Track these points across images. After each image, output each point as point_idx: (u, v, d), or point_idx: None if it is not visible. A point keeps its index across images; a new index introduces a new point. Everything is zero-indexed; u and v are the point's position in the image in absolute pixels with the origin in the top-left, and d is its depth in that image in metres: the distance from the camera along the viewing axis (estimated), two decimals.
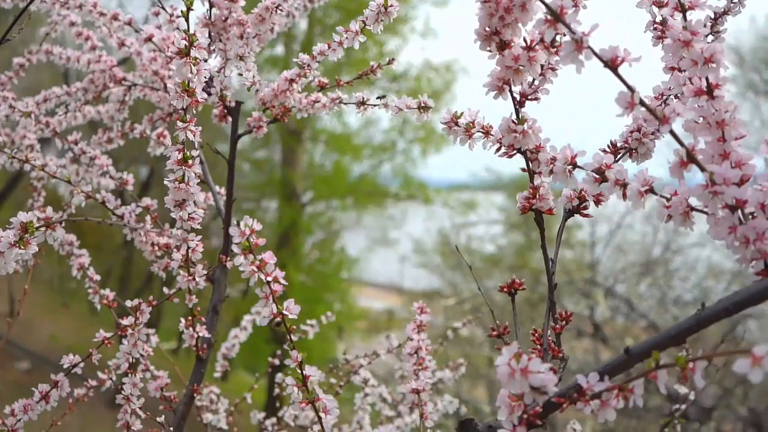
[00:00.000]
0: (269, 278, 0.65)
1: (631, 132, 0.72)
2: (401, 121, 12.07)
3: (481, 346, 7.61)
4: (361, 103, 0.99)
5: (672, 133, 0.54)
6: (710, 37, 0.74)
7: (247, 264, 0.64)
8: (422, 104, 0.87)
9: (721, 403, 5.85)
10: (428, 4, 10.73)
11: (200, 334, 1.01)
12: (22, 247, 0.70)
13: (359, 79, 1.05)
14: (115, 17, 1.13)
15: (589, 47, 0.52)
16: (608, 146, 0.72)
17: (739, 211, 0.55)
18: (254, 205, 11.60)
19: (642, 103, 0.53)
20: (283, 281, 0.66)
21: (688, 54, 0.56)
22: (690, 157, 0.54)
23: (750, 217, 0.55)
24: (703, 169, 0.54)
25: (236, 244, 0.64)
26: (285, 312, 0.66)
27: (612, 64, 0.53)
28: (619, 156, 0.72)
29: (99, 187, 1.24)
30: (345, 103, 1.01)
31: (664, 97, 0.72)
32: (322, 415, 0.68)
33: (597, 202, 0.71)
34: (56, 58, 1.30)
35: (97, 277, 1.14)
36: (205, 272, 0.95)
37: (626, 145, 0.72)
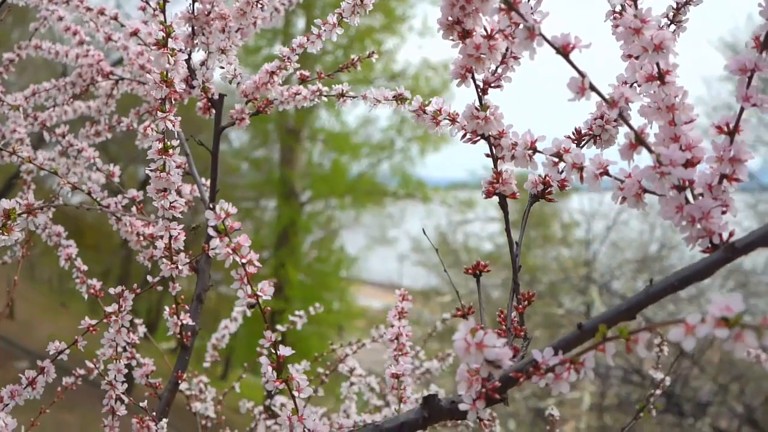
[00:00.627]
0: (244, 260, 0.67)
1: (595, 119, 0.74)
2: (399, 119, 12.10)
3: None
4: (341, 95, 1.02)
5: (621, 116, 0.56)
6: (672, 27, 0.77)
7: (222, 246, 0.67)
8: (398, 96, 0.90)
9: (716, 399, 5.88)
10: (426, 2, 10.75)
11: (184, 322, 1.03)
12: (5, 233, 0.72)
13: (340, 71, 1.07)
14: (101, 12, 1.16)
15: (541, 35, 0.55)
16: (572, 133, 0.75)
17: (689, 192, 0.57)
18: (253, 204, 11.63)
19: (592, 87, 0.55)
20: (257, 263, 0.68)
21: (639, 41, 0.58)
22: (638, 140, 0.56)
23: (700, 197, 0.57)
24: (651, 151, 0.56)
25: (211, 227, 0.66)
26: (259, 293, 0.68)
27: (564, 51, 0.55)
28: (583, 142, 0.75)
29: (90, 181, 1.27)
30: (325, 95, 1.03)
31: (627, 85, 0.74)
32: (295, 393, 0.70)
33: (561, 187, 0.73)
34: (45, 52, 1.32)
35: (85, 268, 1.16)
36: (187, 260, 0.97)
37: (590, 132, 0.74)
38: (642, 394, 6.09)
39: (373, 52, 1.06)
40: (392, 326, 1.01)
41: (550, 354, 0.56)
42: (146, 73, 1.22)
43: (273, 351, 0.70)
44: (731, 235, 0.55)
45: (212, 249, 0.69)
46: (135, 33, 1.12)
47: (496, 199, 0.75)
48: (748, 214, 8.59)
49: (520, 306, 0.67)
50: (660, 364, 1.18)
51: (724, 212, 0.56)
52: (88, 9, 1.16)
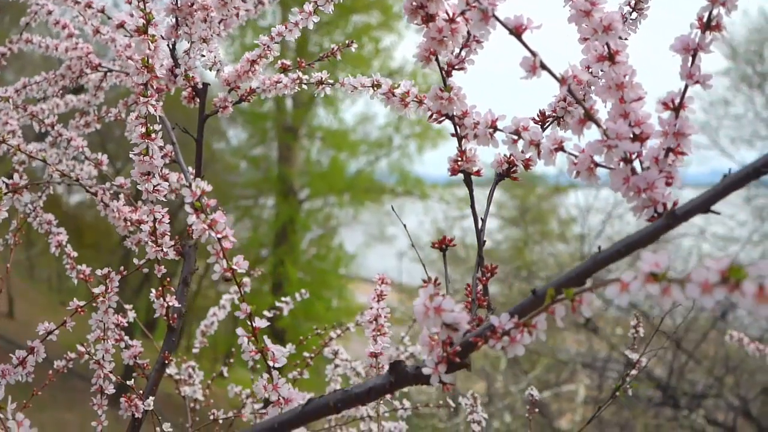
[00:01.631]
0: (220, 236, 0.71)
1: (558, 101, 0.77)
2: (397, 117, 12.13)
3: None
4: (320, 83, 1.05)
5: (570, 92, 0.59)
6: (634, 14, 0.80)
7: (199, 222, 0.70)
8: (375, 83, 0.93)
9: (711, 392, 5.92)
10: None
11: (170, 304, 1.06)
12: None
13: (320, 61, 1.11)
14: (88, 5, 1.19)
15: (494, 16, 0.58)
16: (537, 115, 0.78)
17: (637, 164, 0.61)
18: (251, 202, 11.66)
19: (543, 66, 0.59)
20: (232, 239, 0.71)
21: (589, 23, 0.61)
22: (588, 115, 0.60)
23: (647, 170, 0.60)
24: (599, 126, 0.59)
25: (188, 203, 0.69)
26: (234, 267, 0.72)
27: (516, 32, 0.58)
28: (547, 123, 0.78)
29: (86, 175, 1.30)
30: (306, 83, 1.06)
31: (590, 69, 0.77)
32: (270, 363, 0.73)
33: (526, 167, 0.76)
34: (36, 46, 1.35)
35: (75, 254, 1.19)
36: (172, 243, 1.00)
37: (554, 114, 0.77)
38: (636, 387, 6.13)
39: (351, 42, 1.09)
40: (371, 308, 1.05)
41: (506, 319, 0.60)
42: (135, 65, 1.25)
43: (249, 323, 0.73)
44: (675, 204, 0.58)
45: (189, 225, 0.72)
46: (121, 25, 1.15)
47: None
48: (744, 209, 8.63)
49: (484, 278, 0.71)
50: (636, 345, 1.22)
51: (669, 184, 0.59)
52: (76, 2, 1.19)
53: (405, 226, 1.06)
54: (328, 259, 11.68)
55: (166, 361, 1.08)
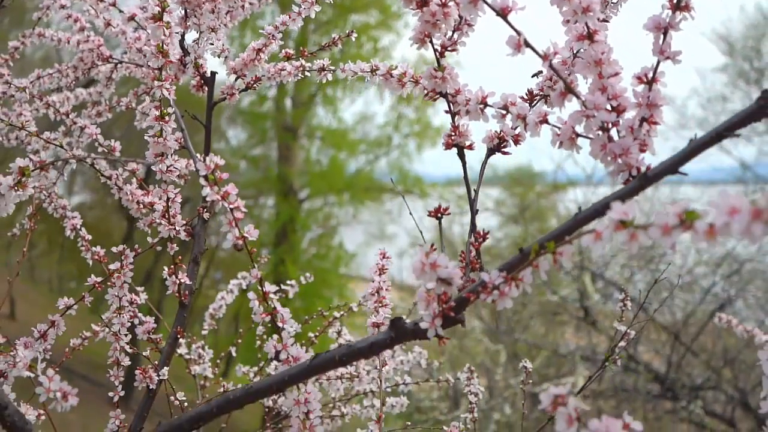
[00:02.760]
0: (232, 206, 0.76)
1: (545, 80, 0.83)
2: (396, 116, 12.19)
3: (479, 339, 7.75)
4: (321, 69, 1.11)
5: (552, 68, 0.65)
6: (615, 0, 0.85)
7: (212, 194, 0.76)
8: (374, 68, 0.98)
9: (709, 383, 5.98)
10: None
11: (182, 281, 1.12)
12: (19, 188, 0.81)
13: (322, 50, 1.16)
14: None
15: None
16: (525, 93, 0.84)
17: (614, 133, 0.66)
18: (252, 202, 11.71)
19: (527, 44, 0.64)
20: (243, 209, 0.77)
21: (570, 5, 0.67)
22: (568, 89, 0.65)
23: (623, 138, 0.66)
24: (578, 97, 0.65)
25: (202, 176, 0.75)
26: (246, 235, 0.77)
27: (503, 13, 0.64)
28: (535, 101, 0.83)
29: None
30: (308, 71, 1.12)
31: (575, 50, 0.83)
32: (280, 324, 0.79)
33: (516, 142, 0.82)
34: (48, 40, 1.41)
35: (89, 237, 1.25)
36: (184, 222, 1.06)
37: (541, 92, 0.83)
38: (635, 379, 6.19)
39: (351, 32, 1.15)
40: (373, 281, 1.11)
41: (496, 275, 0.65)
42: (143, 56, 1.31)
43: (260, 287, 0.79)
44: (648, 169, 0.64)
45: (200, 207, 0.78)
46: (132, 17, 1.21)
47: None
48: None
49: (477, 243, 0.76)
50: (623, 318, 1.27)
51: (643, 150, 0.65)
52: None
53: (414, 218, 1.11)
54: (328, 259, 11.73)
55: (179, 336, 1.14)
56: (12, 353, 0.79)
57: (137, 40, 1.32)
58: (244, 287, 1.65)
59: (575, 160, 8.27)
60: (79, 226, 1.26)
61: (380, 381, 1.28)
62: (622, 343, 1.21)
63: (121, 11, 1.26)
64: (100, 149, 1.26)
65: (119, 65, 1.35)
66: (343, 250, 11.80)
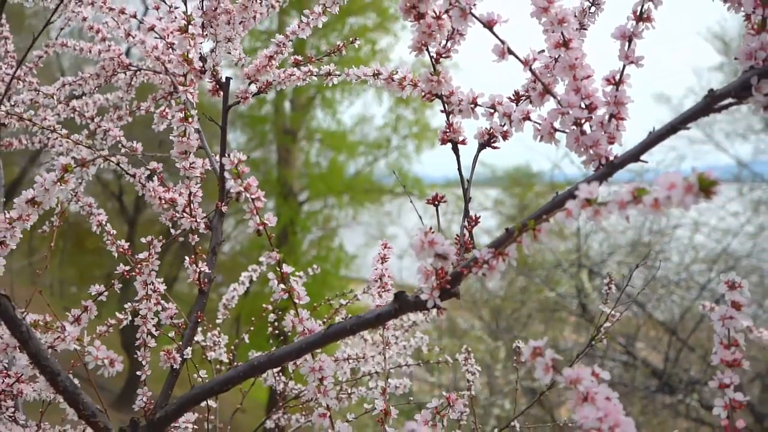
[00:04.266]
0: (253, 196, 0.87)
1: (530, 83, 0.93)
2: (395, 117, 12.30)
3: (479, 337, 7.85)
4: (328, 74, 1.21)
5: (532, 72, 0.75)
6: (593, 8, 0.96)
7: (236, 186, 0.86)
8: (375, 72, 1.09)
9: (704, 377, 6.08)
10: None
11: (202, 270, 1.22)
12: (62, 183, 0.91)
13: (327, 56, 1.27)
14: (122, 11, 1.35)
15: (471, 13, 0.74)
16: (513, 94, 0.94)
17: (587, 127, 0.77)
18: None
19: (510, 51, 0.75)
20: (263, 198, 0.87)
21: (547, 17, 0.78)
22: (546, 90, 0.76)
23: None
24: (554, 97, 0.75)
25: (227, 170, 0.85)
26: (266, 221, 0.88)
27: (489, 25, 0.75)
28: (521, 102, 0.94)
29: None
30: (315, 75, 1.22)
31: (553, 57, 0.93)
32: (296, 300, 0.89)
33: (504, 137, 0.92)
34: (71, 49, 1.51)
35: (114, 232, 1.35)
36: (204, 215, 1.16)
37: (526, 94, 0.93)
38: (633, 374, 6.30)
39: (355, 38, 1.26)
40: (376, 269, 1.21)
41: (486, 251, 0.75)
42: (161, 64, 1.42)
43: (278, 268, 0.89)
44: (616, 157, 0.74)
45: (219, 201, 0.88)
46: (152, 28, 1.31)
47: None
48: (741, 202, 8.80)
49: (470, 226, 0.87)
50: (608, 300, 1.37)
51: (611, 142, 0.76)
52: (111, 9, 1.35)
53: (421, 218, 1.21)
54: (328, 260, 11.81)
55: (199, 320, 1.24)
56: (60, 328, 0.88)
57: (154, 48, 1.42)
58: (254, 279, 1.75)
59: (572, 159, 8.38)
60: (104, 222, 1.36)
61: (384, 354, 1.36)
62: (607, 324, 1.31)
63: (141, 22, 1.36)
64: (122, 150, 1.36)
65: (138, 72, 1.46)
66: (343, 251, 11.89)
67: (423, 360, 1.57)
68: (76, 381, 0.90)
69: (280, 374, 1.60)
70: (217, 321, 1.69)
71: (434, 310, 0.80)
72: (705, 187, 0.50)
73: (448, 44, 0.86)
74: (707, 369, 6.18)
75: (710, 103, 0.68)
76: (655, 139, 0.70)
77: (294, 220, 11.32)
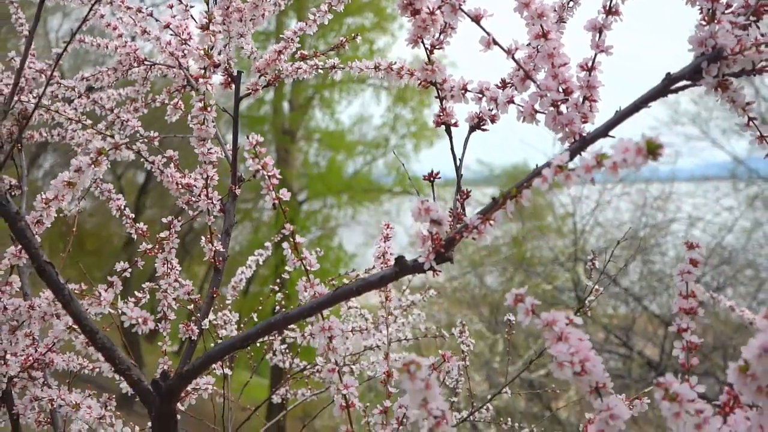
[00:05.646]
0: (269, 174, 0.97)
1: (515, 71, 1.04)
2: (393, 117, 12.40)
3: (478, 330, 7.95)
4: (333, 67, 1.32)
5: (515, 60, 0.86)
6: (571, 3, 1.06)
7: (254, 164, 0.96)
8: (377, 65, 1.19)
9: (699, 368, 6.19)
10: None
11: (217, 248, 1.33)
12: (96, 165, 1.02)
13: (332, 51, 1.37)
14: (139, 10, 1.45)
15: (460, 8, 0.85)
16: (500, 81, 1.04)
17: (564, 108, 0.87)
18: (251, 204, 11.92)
19: (495, 42, 0.85)
20: (278, 176, 0.98)
21: (528, 11, 0.88)
22: (526, 75, 0.86)
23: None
24: (534, 81, 0.86)
25: (246, 150, 0.95)
26: (281, 196, 0.98)
27: (476, 19, 0.85)
28: (506, 88, 1.04)
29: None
30: (321, 69, 1.33)
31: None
32: (308, 267, 1.00)
33: (492, 121, 1.02)
34: (88, 45, 1.61)
35: (132, 215, 1.45)
36: (220, 197, 1.27)
37: (511, 81, 1.04)
38: (629, 365, 6.41)
39: (356, 35, 1.36)
40: (378, 246, 1.31)
41: (475, 218, 0.86)
42: (175, 59, 1.52)
43: (292, 239, 1.00)
44: (588, 134, 0.85)
45: (232, 184, 0.98)
46: (167, 25, 1.41)
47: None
48: (736, 197, 8.92)
49: (462, 199, 0.97)
50: (592, 275, 1.48)
51: (585, 121, 0.86)
52: (128, 8, 1.45)
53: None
54: (328, 260, 11.91)
55: (214, 295, 1.34)
56: (96, 293, 0.99)
57: (168, 44, 1.52)
58: (260, 263, 1.86)
59: None
60: (123, 207, 1.47)
61: (386, 323, 1.45)
62: (591, 298, 1.41)
63: (157, 20, 1.46)
64: (140, 140, 1.46)
65: (153, 67, 1.56)
66: (342, 251, 11.99)
67: (421, 335, 1.67)
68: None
69: (288, 351, 1.70)
70: (227, 301, 1.79)
71: (432, 286, 0.90)
72: (652, 150, 0.61)
73: (441, 37, 0.97)
74: (702, 360, 6.30)
75: (667, 85, 0.78)
76: (621, 116, 0.80)
77: (293, 220, 11.39)
